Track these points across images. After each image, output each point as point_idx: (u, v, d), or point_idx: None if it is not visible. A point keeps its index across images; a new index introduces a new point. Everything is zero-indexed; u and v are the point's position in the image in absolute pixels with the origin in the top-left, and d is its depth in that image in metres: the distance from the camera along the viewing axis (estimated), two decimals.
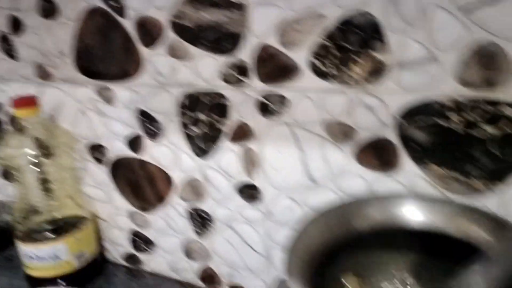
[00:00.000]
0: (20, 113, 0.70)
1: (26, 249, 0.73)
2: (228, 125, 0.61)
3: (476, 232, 0.37)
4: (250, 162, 0.61)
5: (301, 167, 0.57)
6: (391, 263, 0.41)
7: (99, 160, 0.76)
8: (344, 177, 0.55)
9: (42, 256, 0.72)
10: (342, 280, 0.34)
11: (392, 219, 0.39)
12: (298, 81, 0.53)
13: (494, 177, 0.47)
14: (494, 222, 0.37)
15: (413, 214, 0.40)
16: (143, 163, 0.71)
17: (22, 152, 0.72)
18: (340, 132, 0.53)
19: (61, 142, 0.76)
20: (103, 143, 0.74)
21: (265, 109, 0.57)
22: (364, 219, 0.39)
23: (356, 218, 0.39)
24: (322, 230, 0.37)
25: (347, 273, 0.35)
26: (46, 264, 0.73)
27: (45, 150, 0.73)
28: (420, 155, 0.49)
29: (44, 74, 0.75)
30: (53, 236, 0.73)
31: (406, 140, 0.50)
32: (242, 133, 0.60)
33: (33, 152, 0.72)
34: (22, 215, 0.75)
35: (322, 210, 0.40)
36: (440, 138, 0.48)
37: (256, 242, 0.66)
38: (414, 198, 0.42)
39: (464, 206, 0.40)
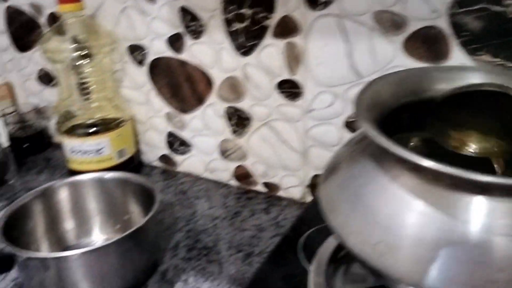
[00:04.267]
0: (64, 7, 0.71)
1: (71, 144, 0.76)
2: (273, 20, 0.62)
3: None
4: (294, 57, 0.63)
5: (347, 60, 0.59)
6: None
7: (139, 61, 0.78)
8: (391, 70, 0.56)
9: (87, 150, 0.75)
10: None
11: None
12: None
13: None
14: None
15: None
16: (183, 63, 0.73)
17: (63, 51, 0.73)
18: (390, 22, 0.54)
19: (102, 43, 0.77)
20: (143, 44, 0.75)
21: (313, 0, 0.58)
22: (432, 83, 0.40)
23: (425, 81, 0.40)
24: (390, 84, 0.38)
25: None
26: (90, 158, 0.76)
27: (85, 50, 0.74)
28: (471, 43, 0.50)
29: None
30: (100, 130, 0.75)
31: (458, 29, 0.50)
32: (286, 27, 0.61)
33: (74, 53, 0.73)
34: (62, 117, 0.78)
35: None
36: (490, 24, 0.48)
37: (293, 140, 0.68)
38: (480, 69, 0.42)
39: None
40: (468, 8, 0.49)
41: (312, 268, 0.44)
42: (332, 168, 0.38)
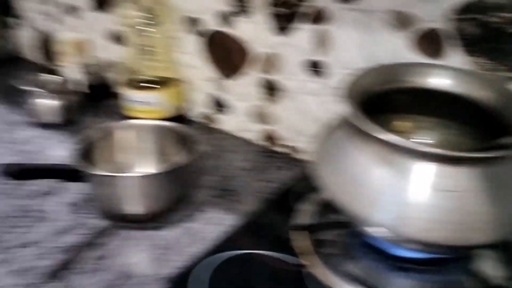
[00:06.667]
0: None
1: (131, 94, 0.91)
2: (309, 8, 0.73)
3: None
4: (322, 42, 0.74)
5: (365, 49, 0.70)
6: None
7: (194, 31, 0.91)
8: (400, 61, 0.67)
9: (143, 101, 0.90)
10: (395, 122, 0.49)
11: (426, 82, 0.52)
12: None
13: None
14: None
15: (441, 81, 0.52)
16: (230, 36, 0.86)
17: (133, 17, 0.87)
18: (404, 21, 0.64)
19: (166, 14, 0.90)
20: (199, 17, 0.88)
21: None
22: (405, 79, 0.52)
23: (400, 74, 0.52)
24: (373, 78, 0.50)
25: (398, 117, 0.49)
26: (144, 108, 0.91)
27: (152, 17, 0.88)
28: (469, 45, 0.60)
29: None
30: (156, 86, 0.90)
31: (459, 32, 0.60)
32: (320, 16, 0.72)
33: (142, 19, 0.87)
34: (126, 72, 0.93)
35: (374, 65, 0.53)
36: (488, 33, 0.58)
37: (314, 111, 0.80)
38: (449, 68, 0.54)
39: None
40: (470, 16, 0.59)
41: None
42: (324, 137, 0.50)
